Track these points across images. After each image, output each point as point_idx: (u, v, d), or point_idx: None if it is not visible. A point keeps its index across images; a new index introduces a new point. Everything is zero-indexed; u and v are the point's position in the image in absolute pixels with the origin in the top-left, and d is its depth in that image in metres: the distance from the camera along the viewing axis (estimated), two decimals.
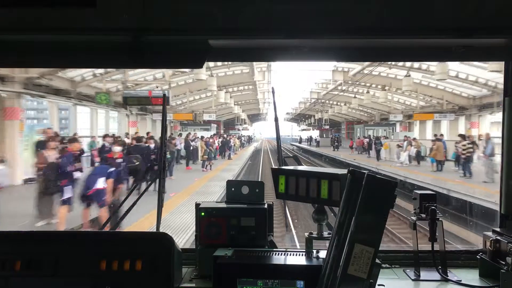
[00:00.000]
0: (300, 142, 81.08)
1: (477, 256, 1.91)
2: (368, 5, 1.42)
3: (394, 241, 11.21)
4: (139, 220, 8.03)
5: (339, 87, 33.41)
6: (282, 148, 2.19)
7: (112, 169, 9.24)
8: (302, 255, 1.64)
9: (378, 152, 30.00)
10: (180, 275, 1.83)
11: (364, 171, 1.24)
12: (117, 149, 11.52)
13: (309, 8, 1.43)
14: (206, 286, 1.73)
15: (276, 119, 2.21)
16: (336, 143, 45.27)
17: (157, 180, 2.19)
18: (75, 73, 19.62)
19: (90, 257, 1.65)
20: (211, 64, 22.18)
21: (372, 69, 25.72)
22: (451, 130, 29.75)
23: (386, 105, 35.77)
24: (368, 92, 31.10)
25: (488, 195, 12.42)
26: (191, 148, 24.28)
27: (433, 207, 1.84)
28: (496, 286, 1.75)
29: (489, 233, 1.88)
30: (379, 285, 1.64)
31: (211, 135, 29.85)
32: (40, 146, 11.56)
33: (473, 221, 12.13)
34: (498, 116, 18.55)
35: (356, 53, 1.68)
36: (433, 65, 21.14)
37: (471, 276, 1.87)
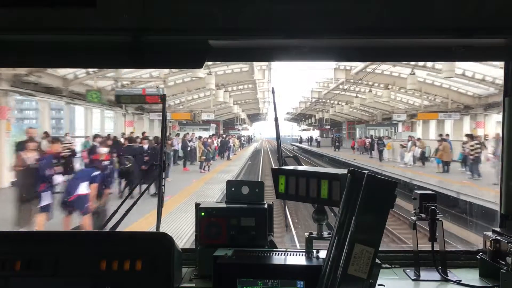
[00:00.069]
0: (300, 142, 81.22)
1: (477, 256, 1.95)
2: (368, 5, 1.46)
3: (399, 245, 11.19)
4: (129, 226, 7.96)
5: (341, 86, 33.39)
6: (282, 148, 2.23)
7: (97, 172, 8.61)
8: (302, 255, 1.68)
9: (380, 152, 29.95)
10: (180, 275, 1.86)
11: (364, 171, 1.27)
12: (103, 150, 10.89)
13: (309, 8, 1.46)
14: (206, 286, 1.76)
15: (276, 119, 2.25)
16: (337, 143, 45.27)
17: (153, 183, 2.23)
18: (67, 71, 19.31)
19: (90, 257, 1.68)
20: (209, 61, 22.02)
21: (375, 67, 25.68)
22: (455, 130, 29.61)
23: (388, 105, 35.75)
24: (370, 91, 31.07)
25: None
26: (189, 148, 24.19)
27: (433, 207, 1.88)
28: (496, 286, 1.79)
29: (489, 233, 1.92)
30: (379, 285, 1.67)
31: (209, 135, 29.79)
32: (19, 147, 10.75)
33: (487, 226, 11.97)
34: None
35: (356, 53, 1.72)
36: (440, 63, 21.06)
37: (471, 276, 1.90)
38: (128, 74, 22.67)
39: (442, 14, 1.46)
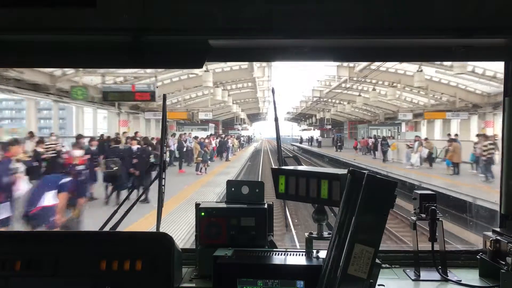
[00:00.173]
0: (301, 142, 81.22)
1: (477, 256, 2.01)
2: (368, 5, 1.53)
3: (399, 245, 11.09)
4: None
5: (343, 85, 33.34)
6: (282, 149, 2.28)
7: (67, 179, 7.43)
8: (302, 255, 1.73)
9: (384, 153, 29.86)
10: (180, 275, 1.92)
11: (364, 171, 1.32)
12: (77, 153, 9.74)
13: (309, 8, 1.53)
14: (206, 286, 1.82)
15: (276, 119, 2.31)
16: (338, 144, 45.27)
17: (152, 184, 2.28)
18: None
19: (90, 257, 1.73)
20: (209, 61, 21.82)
21: (379, 64, 25.61)
22: (462, 130, 29.43)
23: (392, 104, 35.65)
24: (374, 89, 31.02)
25: None
26: (185, 149, 24.00)
27: (433, 207, 1.93)
28: (496, 286, 1.84)
29: (489, 233, 1.97)
30: (379, 285, 1.73)
31: (207, 135, 29.70)
32: None
33: None
34: None
35: (356, 53, 1.78)
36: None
37: (471, 276, 1.96)
38: (120, 70, 22.45)
39: (442, 14, 1.52)
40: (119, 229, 2.14)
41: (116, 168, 12.49)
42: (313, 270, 1.57)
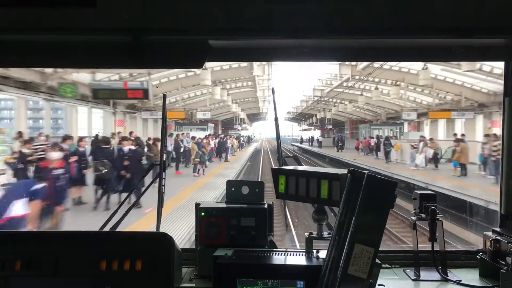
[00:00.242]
0: (301, 143, 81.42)
1: (477, 256, 2.05)
2: (368, 5, 1.57)
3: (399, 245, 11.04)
4: None
5: (345, 83, 33.32)
6: (282, 149, 2.33)
7: (40, 185, 6.74)
8: (302, 255, 1.77)
9: (387, 153, 29.78)
10: (180, 275, 1.96)
11: (364, 171, 1.35)
12: (54, 155, 9.13)
13: (309, 8, 1.57)
14: (206, 286, 1.86)
15: (276, 119, 2.35)
16: (340, 144, 45.31)
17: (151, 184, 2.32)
18: None
19: (90, 257, 1.77)
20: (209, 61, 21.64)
21: (383, 63, 25.58)
22: (467, 130, 29.29)
23: (395, 103, 35.63)
24: (377, 88, 31.00)
25: None
26: (182, 149, 23.89)
27: (433, 207, 1.98)
28: (496, 286, 1.88)
29: (489, 233, 2.02)
30: (379, 285, 1.77)
31: (206, 136, 29.65)
32: None
33: None
34: None
35: (356, 53, 1.82)
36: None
37: (471, 276, 2.00)
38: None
39: (442, 14, 1.56)
40: (119, 229, 2.19)
41: (105, 170, 12.08)
42: (313, 270, 1.61)
